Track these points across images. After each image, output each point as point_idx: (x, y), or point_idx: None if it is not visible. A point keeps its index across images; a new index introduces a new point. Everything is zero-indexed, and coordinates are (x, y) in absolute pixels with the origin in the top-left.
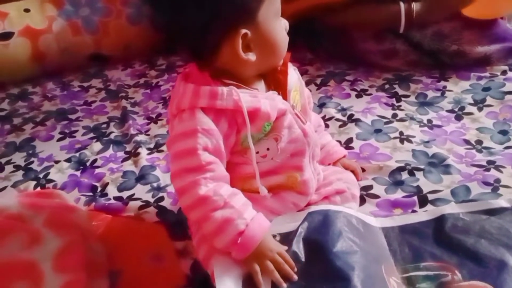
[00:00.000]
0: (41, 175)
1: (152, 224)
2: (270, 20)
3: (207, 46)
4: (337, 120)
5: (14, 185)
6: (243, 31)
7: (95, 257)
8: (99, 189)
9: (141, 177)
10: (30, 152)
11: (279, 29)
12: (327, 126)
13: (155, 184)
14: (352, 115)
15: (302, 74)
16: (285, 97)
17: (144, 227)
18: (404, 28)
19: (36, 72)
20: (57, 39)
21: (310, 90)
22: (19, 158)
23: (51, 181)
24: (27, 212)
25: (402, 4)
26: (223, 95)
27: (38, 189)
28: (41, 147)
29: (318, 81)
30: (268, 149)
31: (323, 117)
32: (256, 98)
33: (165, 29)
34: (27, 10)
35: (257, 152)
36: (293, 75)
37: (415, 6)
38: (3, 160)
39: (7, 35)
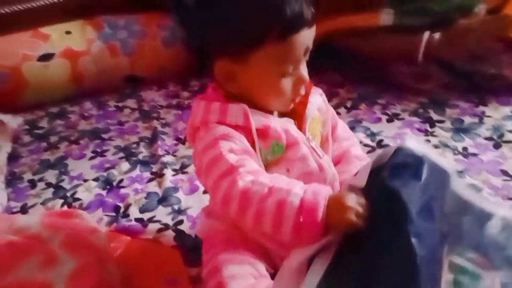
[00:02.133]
0: (69, 194)
1: (168, 249)
2: (267, 68)
3: (210, 65)
4: (366, 145)
5: (43, 203)
6: (225, 62)
7: (110, 279)
8: (122, 209)
9: (163, 199)
10: (62, 170)
11: (273, 82)
12: None
13: (176, 207)
14: (381, 140)
15: (332, 96)
16: (300, 127)
17: (161, 251)
18: (423, 59)
19: (75, 92)
20: (95, 61)
21: (340, 114)
22: (51, 175)
23: (77, 199)
24: (46, 233)
25: (424, 34)
26: (232, 111)
27: (65, 207)
28: (72, 165)
29: (349, 104)
30: None
31: None
32: (268, 118)
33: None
34: (68, 32)
35: None
36: (314, 104)
37: (435, 37)
38: (36, 177)
39: (48, 57)
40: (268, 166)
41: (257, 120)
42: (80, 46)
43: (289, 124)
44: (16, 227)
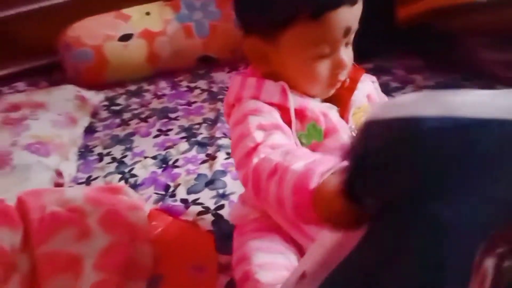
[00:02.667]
0: (127, 169)
1: (203, 233)
2: (302, 48)
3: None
4: None
5: (105, 176)
6: (256, 39)
7: (139, 259)
8: (171, 189)
9: (211, 182)
10: (128, 146)
11: (309, 64)
12: None
13: (220, 191)
14: None
15: (406, 83)
16: (343, 116)
17: (195, 235)
18: None
19: (151, 72)
20: (170, 41)
21: None
22: (117, 151)
23: (134, 176)
24: (88, 207)
25: None
26: (269, 88)
27: (122, 182)
28: (138, 142)
29: None
30: None
31: None
32: (307, 99)
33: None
34: (148, 13)
35: None
36: (363, 92)
37: None
38: (105, 152)
39: (128, 37)
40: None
41: (295, 100)
42: (157, 27)
43: (330, 110)
44: (63, 199)
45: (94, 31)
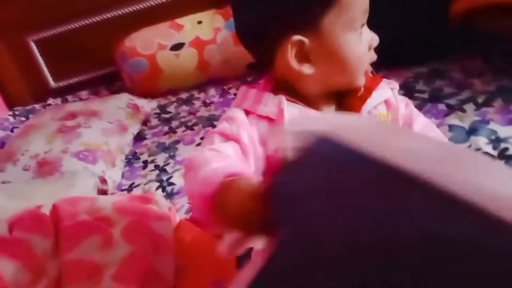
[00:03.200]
0: (166, 177)
1: None
2: (340, 31)
3: (263, 51)
4: (485, 154)
5: (146, 183)
6: (296, 37)
7: (160, 270)
8: None
9: None
10: (172, 154)
11: (353, 43)
12: None
13: None
14: (506, 149)
15: (463, 88)
16: None
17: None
18: None
19: (202, 79)
20: (220, 49)
21: (466, 111)
22: (161, 158)
23: (172, 184)
24: (115, 216)
25: None
26: (267, 101)
27: (159, 190)
28: (181, 150)
29: (481, 99)
30: None
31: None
32: (305, 114)
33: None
34: (199, 22)
35: None
36: (377, 99)
37: None
38: (150, 159)
39: (179, 46)
40: None
41: (292, 114)
42: (207, 35)
43: None
44: (94, 208)
45: (148, 41)
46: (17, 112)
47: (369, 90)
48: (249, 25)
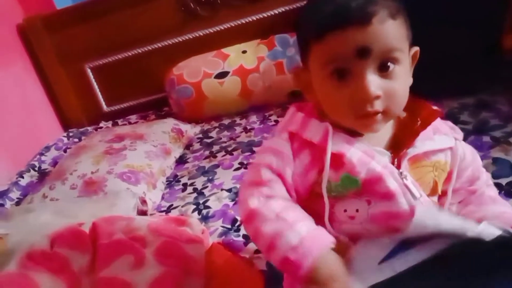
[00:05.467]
0: (202, 200)
1: (255, 272)
2: (316, 74)
3: None
4: None
5: (183, 206)
6: (300, 67)
7: None
8: (238, 223)
9: None
10: (210, 177)
11: (326, 89)
12: None
13: None
14: None
15: (510, 120)
16: (394, 160)
17: (247, 273)
18: None
19: (245, 106)
20: (263, 78)
21: (511, 144)
22: (200, 182)
23: (207, 207)
24: (149, 236)
25: None
26: (313, 127)
27: (195, 213)
28: (220, 174)
29: None
30: (357, 210)
31: (509, 183)
32: (349, 145)
33: None
34: (244, 52)
35: (345, 211)
36: (436, 145)
37: None
38: (189, 182)
39: (224, 74)
40: (341, 197)
41: (336, 143)
42: (251, 64)
43: (377, 156)
44: (130, 227)
45: (195, 69)
46: (71, 134)
47: (425, 124)
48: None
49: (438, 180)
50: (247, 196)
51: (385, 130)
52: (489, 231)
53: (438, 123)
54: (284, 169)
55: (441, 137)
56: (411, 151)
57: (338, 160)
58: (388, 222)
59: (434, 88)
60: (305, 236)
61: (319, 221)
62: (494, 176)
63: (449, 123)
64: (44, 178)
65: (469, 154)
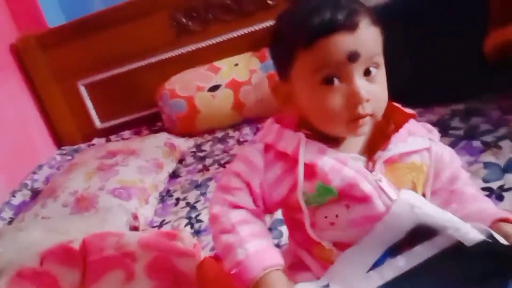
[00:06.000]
0: (194, 215)
1: None
2: (304, 83)
3: None
4: None
5: (176, 220)
6: (279, 80)
7: None
8: None
9: (269, 230)
10: (203, 191)
11: (318, 95)
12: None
13: (276, 241)
14: None
15: (500, 125)
16: (369, 163)
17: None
18: None
19: (238, 119)
20: (255, 90)
21: (502, 148)
22: (193, 196)
23: (200, 221)
24: (139, 252)
25: None
26: (287, 138)
27: (188, 227)
28: (213, 187)
29: None
30: (337, 216)
31: (500, 186)
32: (322, 154)
33: None
34: (236, 65)
35: (325, 217)
36: (410, 147)
37: None
38: (182, 196)
39: (216, 88)
40: (320, 206)
41: (309, 152)
42: (243, 76)
43: (351, 162)
44: (120, 243)
45: (187, 83)
46: (64, 151)
47: (397, 127)
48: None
49: (416, 181)
50: (214, 200)
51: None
52: (472, 234)
53: (414, 125)
54: (252, 178)
55: (415, 139)
56: (385, 154)
57: (310, 170)
58: (367, 225)
59: (425, 95)
60: (251, 254)
61: (301, 229)
62: (485, 180)
63: (427, 125)
64: (36, 196)
65: (446, 155)
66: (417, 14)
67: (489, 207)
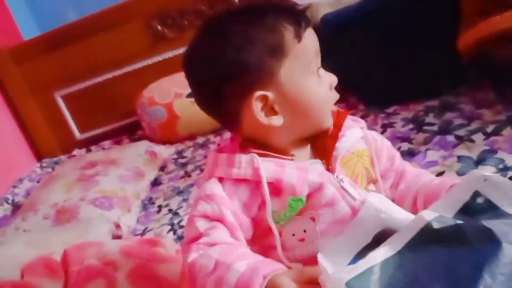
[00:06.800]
0: (176, 221)
1: None
2: (298, 78)
3: (228, 114)
4: None
5: (159, 227)
6: (259, 93)
7: None
8: None
9: None
10: (185, 197)
11: (314, 86)
12: None
13: None
14: None
15: (471, 119)
16: (329, 167)
17: None
18: None
19: (218, 124)
20: None
21: (474, 141)
22: (175, 202)
23: (182, 227)
24: (121, 260)
25: None
26: (240, 163)
27: (170, 234)
28: (194, 193)
29: (490, 128)
30: (305, 231)
31: None
32: (282, 168)
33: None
34: None
35: (293, 235)
36: (351, 138)
37: None
38: (164, 203)
39: None
40: (285, 225)
41: (269, 170)
42: None
43: (311, 167)
44: (101, 252)
45: (165, 90)
46: (44, 164)
47: (338, 126)
48: (207, 91)
49: (368, 167)
50: (186, 252)
51: (306, 145)
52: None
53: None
54: (221, 210)
55: (350, 131)
56: (338, 153)
57: (277, 187)
58: (337, 230)
59: (400, 93)
60: (244, 272)
61: (272, 254)
62: (459, 173)
63: (351, 117)
64: (17, 210)
65: (378, 137)
66: (388, 13)
67: (435, 177)
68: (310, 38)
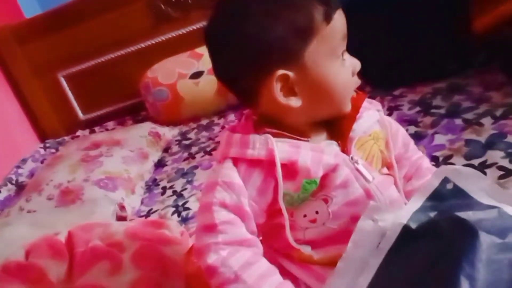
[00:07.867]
0: (181, 203)
1: None
2: (323, 60)
3: (246, 90)
4: (500, 168)
5: (163, 209)
6: (280, 72)
7: None
8: None
9: None
10: (189, 179)
11: (337, 70)
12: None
13: None
14: None
15: (482, 102)
16: (344, 148)
17: None
18: None
19: (223, 105)
20: None
21: (483, 125)
22: (179, 184)
23: (187, 209)
24: (126, 241)
25: None
26: (254, 144)
27: (175, 215)
28: (199, 175)
29: (499, 112)
30: (317, 212)
31: (482, 163)
32: (297, 149)
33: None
34: None
35: (305, 216)
36: (368, 120)
37: None
38: (168, 185)
39: (199, 74)
40: (297, 206)
41: (283, 151)
42: None
43: (327, 149)
44: (107, 233)
45: (169, 71)
46: (48, 145)
47: (356, 108)
48: (230, 66)
49: (383, 149)
50: (204, 249)
51: (322, 127)
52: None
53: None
54: (240, 200)
55: (368, 113)
56: (355, 135)
57: (292, 169)
58: (349, 212)
59: (408, 74)
60: None
61: (281, 235)
62: (467, 157)
63: (367, 99)
64: (21, 191)
65: (393, 122)
66: None
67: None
68: (339, 21)
